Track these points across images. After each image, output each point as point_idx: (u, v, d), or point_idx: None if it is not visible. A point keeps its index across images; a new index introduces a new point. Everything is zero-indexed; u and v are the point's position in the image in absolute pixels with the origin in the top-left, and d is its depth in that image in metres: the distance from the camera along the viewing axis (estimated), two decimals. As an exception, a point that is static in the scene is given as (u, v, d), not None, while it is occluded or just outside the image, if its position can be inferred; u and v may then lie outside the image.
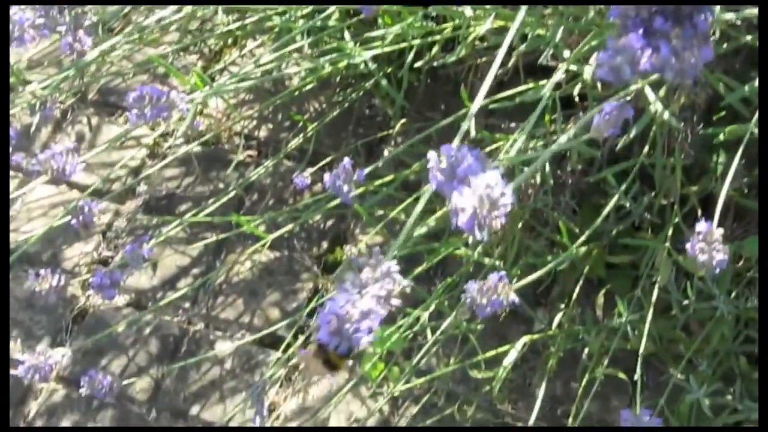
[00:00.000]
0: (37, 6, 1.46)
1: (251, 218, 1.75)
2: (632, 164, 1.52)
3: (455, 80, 2.02)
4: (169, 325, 2.00)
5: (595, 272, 1.89)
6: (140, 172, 2.17)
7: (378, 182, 1.79)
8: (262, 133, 2.23)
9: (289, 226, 1.75)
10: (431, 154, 0.87)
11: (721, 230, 1.05)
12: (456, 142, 0.91)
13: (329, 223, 2.09)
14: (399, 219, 1.97)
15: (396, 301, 0.83)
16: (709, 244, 1.05)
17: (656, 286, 1.66)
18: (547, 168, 1.64)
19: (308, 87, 2.10)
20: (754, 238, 1.66)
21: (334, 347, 0.79)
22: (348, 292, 0.81)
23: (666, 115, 1.21)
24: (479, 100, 0.98)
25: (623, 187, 1.54)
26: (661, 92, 1.32)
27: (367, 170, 1.47)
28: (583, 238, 1.39)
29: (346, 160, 1.38)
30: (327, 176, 1.38)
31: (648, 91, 1.22)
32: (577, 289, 1.78)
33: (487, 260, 1.66)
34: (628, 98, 1.69)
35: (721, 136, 1.33)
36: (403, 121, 2.03)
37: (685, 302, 1.68)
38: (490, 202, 0.79)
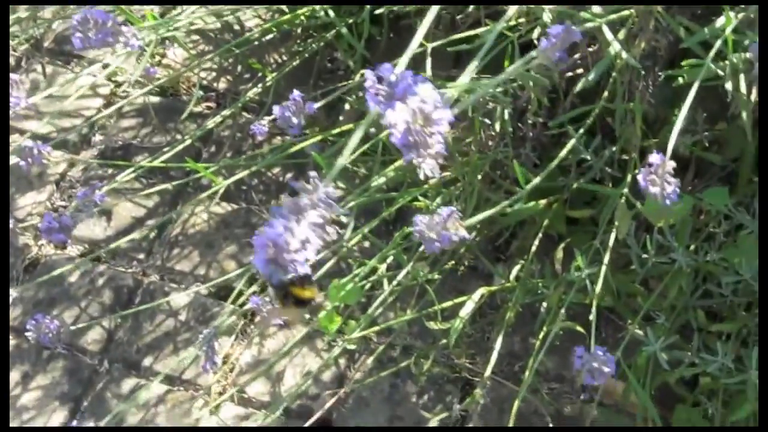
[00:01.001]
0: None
1: (207, 165, 1.71)
2: (591, 109, 1.49)
3: (418, 33, 1.99)
4: (123, 276, 1.97)
5: (556, 228, 1.87)
6: (96, 122, 2.13)
7: (336, 131, 1.77)
8: (222, 84, 2.20)
9: (245, 173, 1.72)
10: (368, 73, 0.84)
11: (673, 163, 1.03)
12: (400, 67, 0.87)
13: (288, 175, 2.06)
14: (359, 172, 1.95)
15: (331, 230, 0.80)
16: (660, 177, 1.03)
17: (614, 237, 1.65)
18: (506, 115, 1.61)
19: (269, 37, 2.07)
20: (713, 190, 1.64)
21: (268, 276, 0.76)
22: (285, 217, 0.78)
23: (624, 54, 1.18)
24: (419, 37, 0.94)
25: (580, 131, 1.51)
26: (621, 35, 1.29)
27: (317, 105, 1.43)
28: (537, 180, 1.36)
29: (296, 92, 1.34)
30: (277, 108, 1.34)
31: (605, 30, 1.19)
32: (536, 243, 1.76)
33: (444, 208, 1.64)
34: (591, 49, 1.67)
35: (681, 80, 1.31)
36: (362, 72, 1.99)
37: (645, 256, 1.67)
38: (423, 116, 0.76)
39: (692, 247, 1.66)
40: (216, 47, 2.18)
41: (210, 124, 1.89)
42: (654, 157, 1.04)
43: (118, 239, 1.98)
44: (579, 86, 1.35)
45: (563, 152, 1.37)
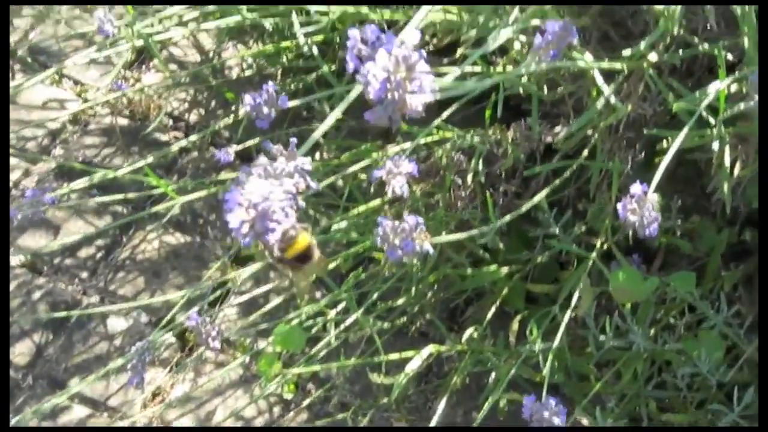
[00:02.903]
0: None
1: (166, 183, 1.65)
2: (569, 164, 1.45)
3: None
4: (62, 292, 1.89)
5: (514, 303, 1.82)
6: (59, 136, 2.07)
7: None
8: (193, 116, 2.14)
9: (203, 193, 1.65)
10: (352, 31, 0.78)
11: (656, 196, 0.98)
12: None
13: (248, 216, 2.00)
14: (321, 221, 1.89)
15: (302, 203, 0.74)
16: (641, 206, 0.98)
17: (573, 315, 1.60)
18: (480, 165, 1.56)
19: (248, 73, 2.03)
20: (680, 274, 1.60)
21: (242, 239, 0.71)
22: (262, 180, 0.72)
23: (612, 99, 1.14)
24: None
25: (550, 188, 1.47)
26: (610, 89, 1.25)
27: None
28: (507, 218, 1.31)
29: (270, 83, 1.29)
30: (247, 97, 1.28)
31: (596, 74, 1.15)
32: (493, 311, 1.71)
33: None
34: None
35: (665, 143, 1.27)
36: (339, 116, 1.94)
37: (602, 338, 1.62)
38: (406, 66, 0.70)
39: (651, 332, 1.62)
40: (192, 78, 2.14)
41: (175, 147, 1.82)
42: (635, 188, 0.99)
43: (63, 254, 1.92)
44: (561, 136, 1.30)
45: (538, 197, 1.32)
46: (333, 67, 1.92)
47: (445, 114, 1.48)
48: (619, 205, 1.00)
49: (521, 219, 1.88)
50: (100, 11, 1.26)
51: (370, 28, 0.78)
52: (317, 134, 0.77)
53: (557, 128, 1.68)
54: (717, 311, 1.63)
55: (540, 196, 1.34)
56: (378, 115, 0.72)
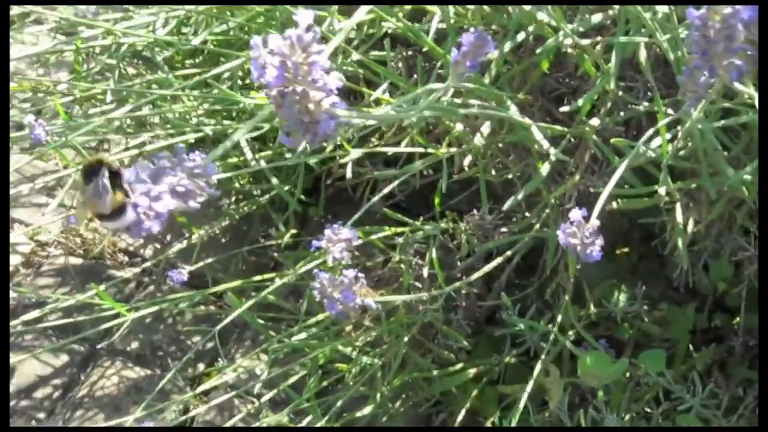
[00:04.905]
0: None
1: (122, 305, 1.61)
2: (521, 238, 1.42)
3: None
4: (19, 435, 1.82)
5: (486, 410, 1.77)
6: (12, 279, 2.04)
7: (258, 278, 1.69)
8: (148, 251, 2.11)
9: (156, 308, 1.61)
10: (255, 39, 0.74)
11: (597, 222, 0.94)
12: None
13: (209, 345, 1.95)
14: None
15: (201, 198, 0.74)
16: (580, 230, 0.94)
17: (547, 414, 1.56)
18: (434, 253, 1.54)
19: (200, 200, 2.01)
20: (649, 353, 1.56)
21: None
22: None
23: (552, 150, 1.12)
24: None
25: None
26: (557, 155, 1.24)
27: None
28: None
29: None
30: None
31: (535, 131, 1.13)
32: (463, 415, 1.66)
33: (365, 359, 1.54)
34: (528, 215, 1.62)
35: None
36: (294, 231, 1.92)
37: None
38: (301, 46, 0.67)
39: (627, 417, 1.57)
40: (146, 213, 2.11)
41: (129, 275, 1.79)
42: (575, 213, 0.96)
43: (18, 397, 1.86)
44: (507, 205, 1.28)
45: (491, 266, 1.28)
46: (285, 188, 1.91)
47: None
48: (559, 233, 0.96)
49: (487, 322, 1.86)
50: (30, 116, 1.24)
51: (272, 36, 0.74)
52: (237, 137, 0.74)
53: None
54: (693, 395, 1.59)
55: (493, 264, 1.31)
56: (291, 123, 0.69)
